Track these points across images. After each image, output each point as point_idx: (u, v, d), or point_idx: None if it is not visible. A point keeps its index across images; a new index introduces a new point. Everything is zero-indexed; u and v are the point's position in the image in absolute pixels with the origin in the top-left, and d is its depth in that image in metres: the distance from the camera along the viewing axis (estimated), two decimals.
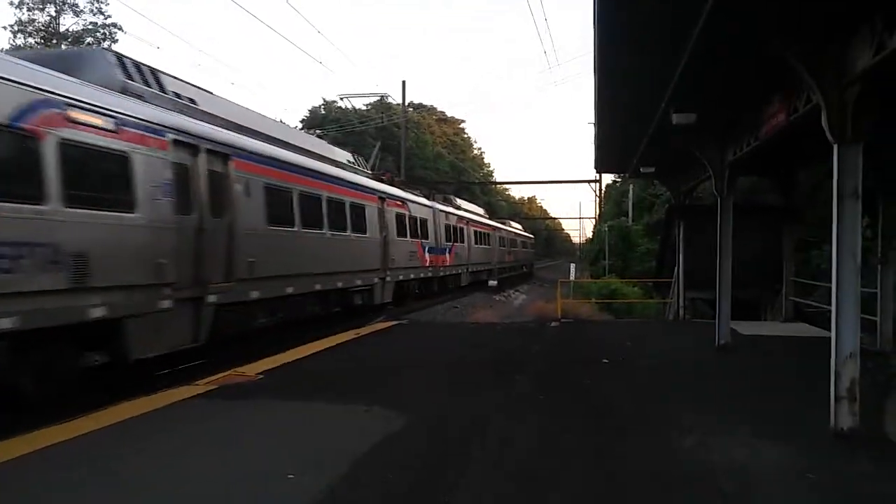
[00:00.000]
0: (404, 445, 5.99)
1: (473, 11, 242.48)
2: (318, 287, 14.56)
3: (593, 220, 75.94)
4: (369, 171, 20.95)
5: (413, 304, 22.40)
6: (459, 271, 29.98)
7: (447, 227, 27.49)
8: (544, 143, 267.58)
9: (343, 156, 18.93)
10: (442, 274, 26.55)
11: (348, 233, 16.37)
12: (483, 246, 36.57)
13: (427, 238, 24.08)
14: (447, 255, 27.16)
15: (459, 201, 34.48)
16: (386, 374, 9.62)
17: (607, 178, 55.87)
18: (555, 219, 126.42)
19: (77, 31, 30.02)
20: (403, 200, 22.01)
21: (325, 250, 14.94)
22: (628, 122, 11.55)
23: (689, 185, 17.07)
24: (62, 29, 29.74)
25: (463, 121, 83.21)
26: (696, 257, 16.91)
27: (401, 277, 20.90)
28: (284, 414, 7.19)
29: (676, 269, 17.77)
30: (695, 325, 16.17)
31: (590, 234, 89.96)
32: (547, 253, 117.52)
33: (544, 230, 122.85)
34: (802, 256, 17.93)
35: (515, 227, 59.59)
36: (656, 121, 10.15)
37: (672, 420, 6.90)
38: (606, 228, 36.15)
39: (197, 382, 8.69)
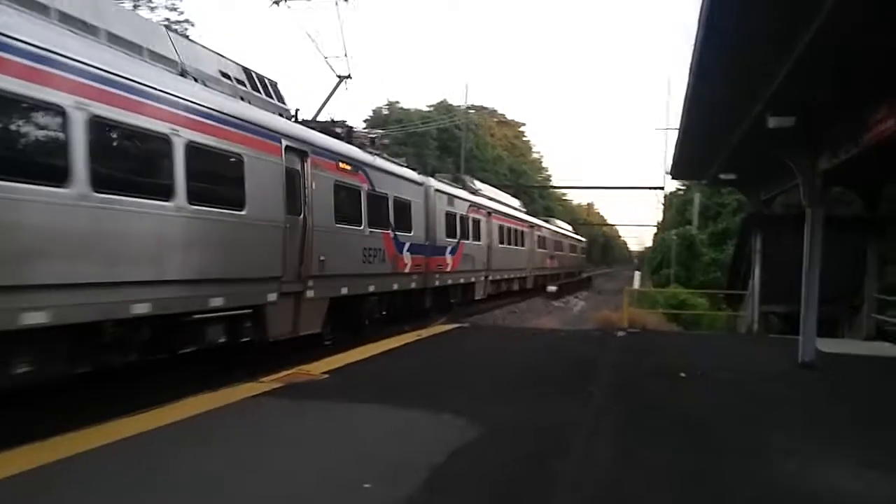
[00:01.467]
0: (481, 458, 5.65)
1: (543, 13, 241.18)
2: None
3: (653, 229, 74.79)
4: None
5: (472, 308, 22.07)
6: (472, 279, 21.98)
7: (451, 217, 19.81)
8: (605, 148, 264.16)
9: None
10: (437, 283, 18.50)
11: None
12: (513, 247, 28.63)
13: (410, 230, 16.41)
14: (447, 255, 19.44)
15: (480, 185, 26.89)
16: (452, 378, 9.33)
17: (670, 187, 54.79)
18: (612, 225, 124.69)
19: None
20: (354, 163, 13.72)
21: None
22: (716, 126, 11.04)
23: (769, 195, 16.33)
24: None
25: (523, 124, 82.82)
26: (772, 269, 16.17)
27: (335, 293, 12.64)
28: (353, 417, 6.93)
29: (751, 280, 17.02)
30: (771, 339, 15.41)
31: (649, 243, 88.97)
32: (604, 260, 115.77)
33: (601, 237, 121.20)
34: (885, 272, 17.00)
35: (563, 226, 51.59)
36: (748, 124, 9.62)
37: (768, 442, 6.39)
38: (674, 236, 35.02)
39: (262, 379, 8.53)
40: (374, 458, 5.54)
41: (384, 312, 15.32)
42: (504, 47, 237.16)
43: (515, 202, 33.71)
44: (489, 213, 24.52)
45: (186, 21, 28.31)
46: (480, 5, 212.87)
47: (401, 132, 51.84)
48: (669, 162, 18.36)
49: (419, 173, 18.53)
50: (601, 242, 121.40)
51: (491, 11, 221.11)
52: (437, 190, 19.05)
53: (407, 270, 16.16)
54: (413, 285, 16.63)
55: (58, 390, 7.56)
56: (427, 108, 65.25)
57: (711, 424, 7.11)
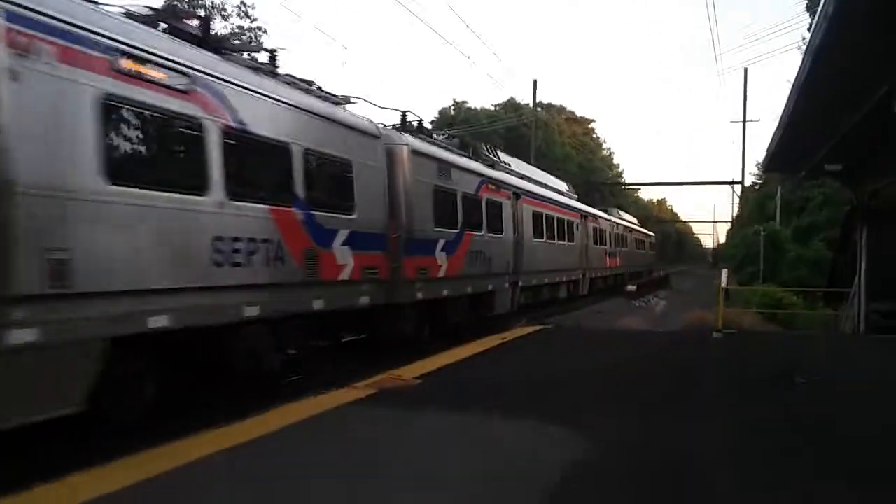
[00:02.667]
0: (601, 479, 5.13)
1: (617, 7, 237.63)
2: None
3: (726, 224, 72.27)
4: None
5: (551, 308, 21.43)
6: (489, 287, 15.92)
7: (444, 195, 13.63)
8: (675, 143, 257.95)
9: None
10: (429, 297, 12.90)
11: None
12: (557, 241, 22.18)
13: (367, 210, 10.74)
14: (444, 255, 13.43)
15: (507, 157, 20.58)
16: (549, 384, 8.81)
17: (745, 181, 52.68)
18: (685, 222, 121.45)
19: (224, 35, 31.47)
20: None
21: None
22: (829, 112, 10.17)
23: (876, 186, 15.20)
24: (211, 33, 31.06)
25: (593, 120, 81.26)
26: (881, 265, 15.06)
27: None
28: (453, 428, 6.51)
29: (857, 277, 15.89)
30: (883, 340, 14.29)
31: (722, 239, 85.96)
32: (678, 258, 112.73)
33: (674, 234, 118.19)
34: None
35: (627, 218, 43.80)
36: (869, 108, 8.79)
37: None
38: (762, 232, 33.47)
39: (355, 385, 8.24)
40: (482, 476, 5.09)
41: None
42: (572, 42, 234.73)
43: (562, 185, 27.05)
44: (516, 196, 18.01)
45: (259, 28, 28.54)
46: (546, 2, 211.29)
47: (468, 132, 51.52)
48: (749, 155, 17.37)
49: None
50: (674, 240, 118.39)
51: (558, 7, 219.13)
52: (415, 151, 12.40)
53: (336, 273, 10.01)
54: (369, 300, 10.82)
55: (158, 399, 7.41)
56: (493, 107, 64.84)
57: (862, 444, 6.20)
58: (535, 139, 49.93)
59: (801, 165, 16.35)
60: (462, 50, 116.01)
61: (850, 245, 16.93)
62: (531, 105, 50.03)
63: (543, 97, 62.40)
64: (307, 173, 9.33)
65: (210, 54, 8.11)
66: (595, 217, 29.90)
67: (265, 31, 28.06)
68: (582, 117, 75.22)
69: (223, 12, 27.66)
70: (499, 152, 19.94)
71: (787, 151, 14.16)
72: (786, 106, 10.94)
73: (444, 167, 13.57)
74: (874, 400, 8.29)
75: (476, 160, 16.46)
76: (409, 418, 6.84)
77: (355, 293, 10.54)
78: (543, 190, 22.10)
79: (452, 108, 61.87)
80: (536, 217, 20.06)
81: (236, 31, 28.26)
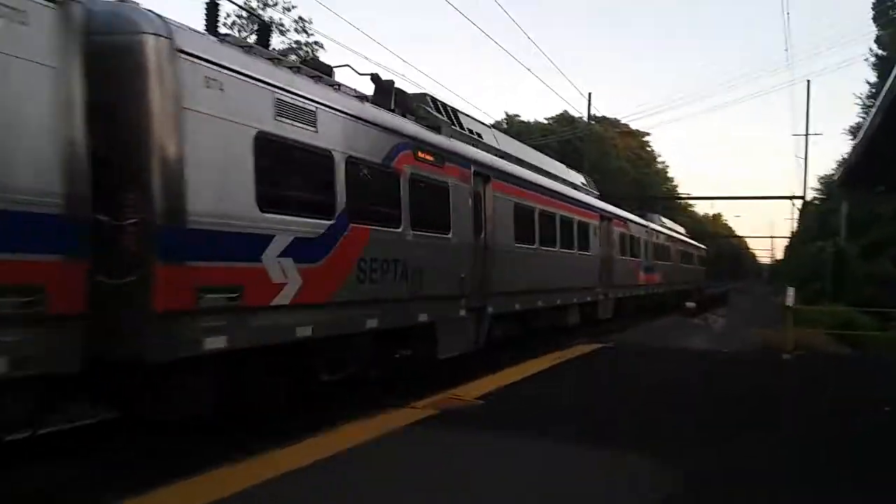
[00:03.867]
0: None
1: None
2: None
3: (785, 240, 70.02)
4: None
5: (609, 325, 20.80)
6: (426, 316, 10.43)
7: (315, 158, 8.13)
8: (736, 157, 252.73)
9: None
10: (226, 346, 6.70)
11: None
12: (561, 251, 16.56)
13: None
14: (291, 264, 7.53)
15: (482, 127, 14.47)
16: (619, 408, 8.38)
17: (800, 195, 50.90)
18: (741, 237, 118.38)
19: (281, 50, 31.91)
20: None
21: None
22: None
23: None
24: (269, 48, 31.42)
25: (648, 133, 79.64)
26: None
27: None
28: (522, 454, 6.15)
29: None
30: None
31: (779, 255, 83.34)
32: (734, 274, 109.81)
33: (729, 249, 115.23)
34: None
35: (670, 225, 36.89)
36: None
37: None
38: (831, 248, 32.14)
39: (414, 405, 7.95)
40: None
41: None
42: (627, 55, 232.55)
43: (577, 177, 21.20)
44: (481, 176, 12.35)
45: (316, 43, 28.70)
46: (602, 16, 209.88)
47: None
48: (814, 171, 16.55)
49: None
50: (730, 255, 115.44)
51: (614, 20, 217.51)
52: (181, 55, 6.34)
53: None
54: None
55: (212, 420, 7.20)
56: (546, 121, 64.24)
57: None
58: (588, 153, 49.28)
59: (881, 180, 15.52)
60: (521, 61, 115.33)
61: None
62: (585, 118, 49.39)
63: (598, 110, 61.67)
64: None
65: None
66: (624, 221, 23.94)
67: (322, 46, 28.14)
68: (637, 130, 73.85)
69: (281, 27, 27.83)
70: (461, 114, 13.17)
71: (867, 165, 13.41)
72: (873, 117, 10.32)
73: (291, 103, 7.72)
74: None
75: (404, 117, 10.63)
76: (467, 443, 6.50)
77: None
78: (537, 177, 15.83)
79: (505, 121, 61.50)
80: (521, 212, 14.05)
81: (293, 45, 28.37)
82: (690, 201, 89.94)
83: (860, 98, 46.69)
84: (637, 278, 25.58)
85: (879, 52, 42.93)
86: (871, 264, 34.27)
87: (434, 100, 12.32)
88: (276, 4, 27.95)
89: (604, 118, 63.18)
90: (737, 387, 10.24)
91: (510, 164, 14.49)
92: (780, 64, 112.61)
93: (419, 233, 10.14)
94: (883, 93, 8.89)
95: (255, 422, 7.43)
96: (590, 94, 44.91)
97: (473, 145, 12.83)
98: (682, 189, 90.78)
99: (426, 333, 10.64)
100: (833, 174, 46.18)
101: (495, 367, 10.85)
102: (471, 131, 13.20)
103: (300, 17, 28.44)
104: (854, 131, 44.86)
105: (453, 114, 12.76)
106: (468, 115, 13.75)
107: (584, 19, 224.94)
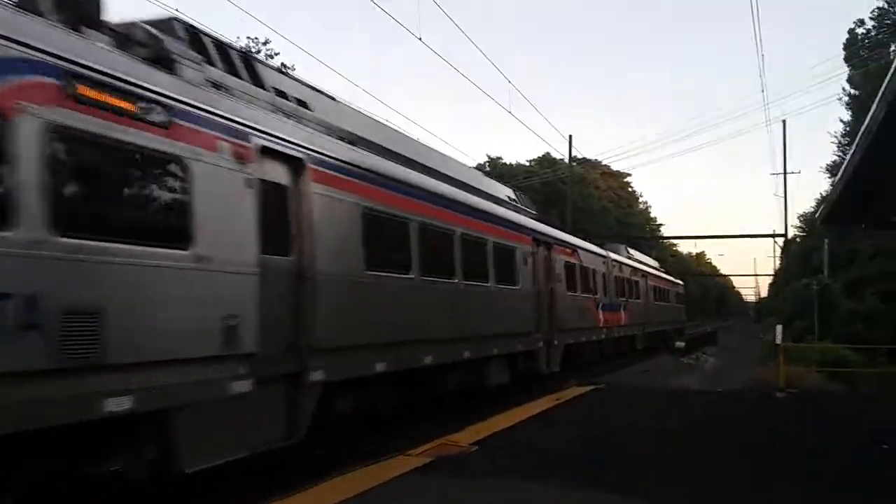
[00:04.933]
0: None
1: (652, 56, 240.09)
2: None
3: (767, 278, 70.51)
4: None
5: (601, 366, 20.60)
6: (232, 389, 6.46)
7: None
8: (716, 196, 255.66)
9: None
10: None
11: None
12: (462, 284, 11.86)
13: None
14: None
15: (352, 112, 10.60)
16: (618, 453, 8.19)
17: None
18: (725, 276, 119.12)
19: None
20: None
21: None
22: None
23: None
24: None
25: (629, 174, 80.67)
26: None
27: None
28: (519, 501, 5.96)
29: None
30: None
31: (763, 293, 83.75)
32: (719, 312, 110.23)
33: (714, 288, 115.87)
34: None
35: (640, 258, 32.80)
36: None
37: None
38: (814, 286, 32.36)
39: (409, 452, 7.74)
40: None
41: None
42: (605, 97, 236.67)
43: (501, 189, 16.88)
44: (300, 165, 7.84)
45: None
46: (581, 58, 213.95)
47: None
48: (793, 208, 16.72)
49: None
50: (714, 294, 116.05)
51: (591, 61, 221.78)
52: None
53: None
54: None
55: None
56: (528, 163, 64.86)
57: None
58: (570, 194, 49.65)
59: (862, 217, 15.67)
60: (501, 103, 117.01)
61: None
62: (566, 160, 49.89)
63: (578, 151, 62.37)
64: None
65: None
66: (572, 248, 19.18)
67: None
68: (617, 172, 74.73)
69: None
70: (258, 62, 8.94)
71: (849, 204, 13.54)
72: (851, 157, 10.43)
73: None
74: None
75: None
76: (464, 493, 6.33)
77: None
78: (420, 178, 11.05)
79: (487, 164, 61.97)
80: (381, 224, 9.56)
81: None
82: (674, 241, 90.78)
83: (835, 136, 47.59)
84: (595, 319, 21.05)
85: (852, 91, 43.93)
86: (855, 301, 34.54)
87: (192, 29, 7.58)
88: (259, 52, 28.36)
89: (585, 160, 63.76)
90: (732, 427, 10.10)
91: (362, 151, 9.57)
92: (757, 104, 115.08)
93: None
94: (861, 132, 8.98)
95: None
96: (570, 136, 45.18)
97: (287, 115, 8.24)
98: (666, 230, 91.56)
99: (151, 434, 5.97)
100: (814, 211, 46.75)
101: (495, 411, 10.65)
102: (281, 93, 8.58)
103: (277, 54, 29.16)
104: (831, 169, 45.62)
105: (246, 62, 8.23)
106: (278, 70, 9.87)
107: (562, 60, 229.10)
